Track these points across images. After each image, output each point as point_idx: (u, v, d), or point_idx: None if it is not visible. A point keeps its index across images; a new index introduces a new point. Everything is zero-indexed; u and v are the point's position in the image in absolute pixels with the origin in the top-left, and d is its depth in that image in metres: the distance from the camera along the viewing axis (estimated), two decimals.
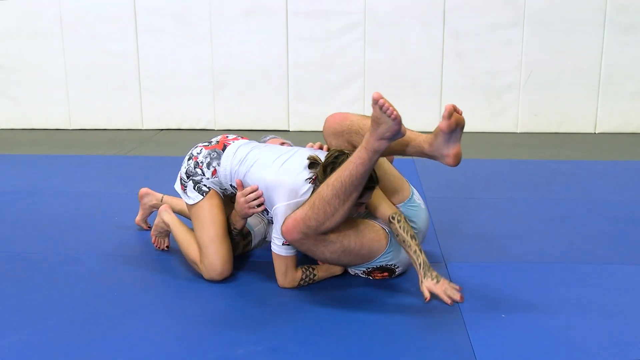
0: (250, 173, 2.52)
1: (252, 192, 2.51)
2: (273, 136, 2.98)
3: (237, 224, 2.64)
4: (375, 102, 2.18)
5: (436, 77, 5.84)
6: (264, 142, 2.92)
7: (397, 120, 2.18)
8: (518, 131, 5.94)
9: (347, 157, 2.35)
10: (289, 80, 5.95)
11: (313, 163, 2.44)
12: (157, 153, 5.18)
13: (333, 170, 2.35)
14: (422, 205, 2.66)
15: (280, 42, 5.88)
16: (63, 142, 5.68)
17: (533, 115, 5.90)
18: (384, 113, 2.18)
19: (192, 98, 6.05)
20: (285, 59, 5.91)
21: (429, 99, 5.86)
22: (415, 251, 2.43)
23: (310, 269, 2.55)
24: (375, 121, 2.22)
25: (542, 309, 2.35)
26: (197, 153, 2.65)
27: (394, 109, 2.17)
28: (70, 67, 6.06)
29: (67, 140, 5.75)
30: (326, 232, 2.37)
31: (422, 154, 2.43)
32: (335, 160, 2.38)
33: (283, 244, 2.45)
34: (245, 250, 2.82)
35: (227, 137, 2.71)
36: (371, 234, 2.48)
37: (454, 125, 2.32)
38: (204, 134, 5.82)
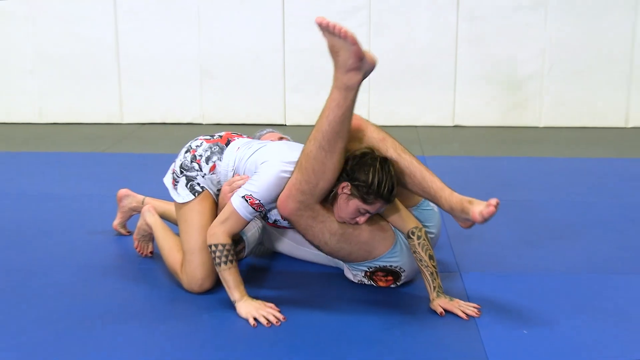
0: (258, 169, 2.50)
1: (241, 180, 2.50)
2: (270, 130, 2.97)
3: None
4: (320, 26, 2.16)
5: (449, 66, 5.83)
6: (260, 136, 2.91)
7: (350, 39, 2.15)
8: (541, 125, 5.93)
9: (373, 157, 2.35)
10: (286, 68, 5.94)
11: None
12: (139, 150, 5.17)
13: (353, 168, 2.33)
14: (435, 208, 2.67)
15: (275, 26, 5.87)
16: (32, 137, 5.67)
17: (558, 107, 5.89)
18: (334, 35, 2.16)
19: (178, 89, 6.04)
20: (282, 44, 5.90)
21: (441, 90, 5.85)
22: (432, 273, 2.44)
23: (233, 257, 2.42)
24: (332, 51, 2.22)
25: (568, 325, 2.34)
26: (197, 146, 2.65)
27: (342, 28, 2.14)
28: (41, 54, 6.05)
29: (37, 135, 5.74)
30: (324, 199, 2.37)
31: (438, 206, 2.46)
32: (359, 156, 2.36)
33: (244, 198, 2.39)
34: (238, 259, 2.81)
35: (232, 133, 2.71)
36: (376, 227, 2.49)
37: (486, 221, 2.31)
38: (191, 128, 5.81)
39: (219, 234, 2.41)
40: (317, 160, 2.31)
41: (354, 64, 2.20)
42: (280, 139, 2.82)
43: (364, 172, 2.32)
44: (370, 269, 2.56)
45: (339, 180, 2.37)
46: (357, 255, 2.51)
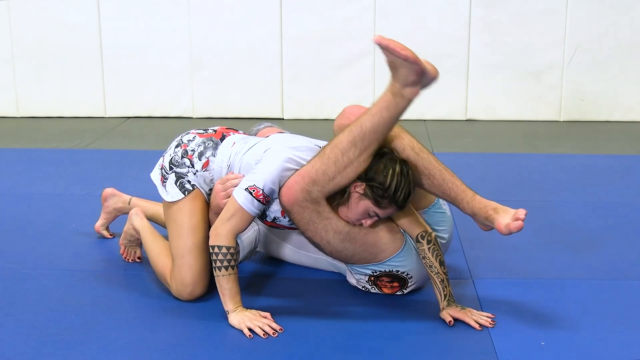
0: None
1: (235, 179, 2.51)
2: (269, 125, 2.97)
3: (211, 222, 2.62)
4: (380, 46, 2.19)
5: (462, 55, 5.84)
6: (257, 131, 2.92)
7: (412, 59, 2.18)
8: (561, 119, 5.94)
9: (393, 158, 2.36)
10: (283, 58, 5.95)
11: None
12: (123, 146, 5.19)
13: (371, 167, 2.35)
14: (448, 212, 2.68)
15: (272, 12, 5.88)
16: (8, 132, 5.68)
17: (579, 100, 5.90)
18: (393, 55, 2.19)
19: (166, 80, 6.05)
20: (279, 32, 5.91)
21: (453, 81, 5.85)
22: (442, 280, 2.45)
23: (236, 263, 2.42)
24: (391, 66, 2.25)
25: (589, 336, 2.35)
26: (189, 140, 2.65)
27: (404, 48, 2.17)
28: (18, 43, 6.05)
29: (14, 130, 5.75)
30: (334, 195, 2.39)
31: (459, 208, 2.46)
32: (378, 156, 2.37)
33: (248, 191, 2.38)
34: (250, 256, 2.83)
35: (226, 128, 2.72)
36: (385, 229, 2.50)
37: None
38: (180, 122, 5.83)
39: (224, 234, 2.39)
40: (345, 154, 2.34)
41: (415, 80, 2.24)
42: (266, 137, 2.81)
43: (382, 174, 2.34)
44: (375, 273, 2.57)
45: (353, 180, 2.38)
46: (361, 257, 2.52)
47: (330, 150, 2.36)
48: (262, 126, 2.94)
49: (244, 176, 2.48)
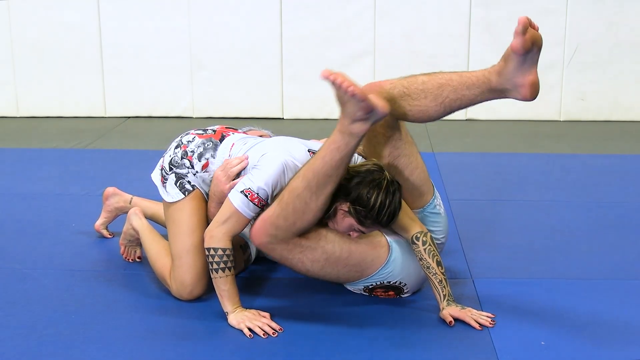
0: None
1: (237, 166, 2.51)
2: (250, 128, 2.97)
3: (211, 214, 2.61)
4: (326, 80, 2.16)
5: (462, 54, 5.84)
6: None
7: (359, 96, 2.15)
8: (561, 119, 5.94)
9: (380, 177, 2.33)
10: (283, 58, 5.95)
11: None
12: (123, 146, 5.19)
13: (358, 185, 2.32)
14: (443, 212, 2.67)
15: (272, 12, 5.87)
16: (8, 132, 5.68)
17: (579, 99, 5.90)
18: (340, 90, 2.16)
19: (166, 80, 6.05)
20: (279, 32, 5.91)
21: None
22: (440, 281, 2.44)
23: (232, 264, 2.42)
24: (339, 101, 2.22)
25: (590, 335, 2.35)
26: (188, 141, 2.66)
27: (350, 84, 2.14)
28: (18, 43, 6.05)
29: (14, 130, 5.75)
30: (300, 235, 2.38)
31: (490, 90, 2.36)
32: (365, 174, 2.34)
33: (244, 194, 2.38)
34: (247, 266, 2.83)
35: (226, 127, 2.72)
36: (367, 246, 2.49)
37: (530, 43, 2.27)
38: (180, 122, 5.82)
39: (219, 236, 2.40)
40: (301, 200, 2.31)
41: (362, 116, 2.21)
42: (261, 136, 2.81)
43: (366, 195, 2.31)
44: (369, 287, 2.57)
45: (339, 197, 2.36)
46: (347, 277, 2.53)
47: (287, 196, 2.33)
48: (245, 129, 2.93)
49: (245, 158, 2.49)
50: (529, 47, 2.28)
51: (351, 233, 2.43)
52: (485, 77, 2.36)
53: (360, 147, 2.55)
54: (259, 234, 2.37)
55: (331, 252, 2.43)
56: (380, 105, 2.20)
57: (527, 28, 2.25)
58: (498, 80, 2.34)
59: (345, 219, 2.39)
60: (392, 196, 2.33)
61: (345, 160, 2.28)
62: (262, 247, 2.41)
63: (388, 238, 2.52)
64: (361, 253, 2.47)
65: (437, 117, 2.46)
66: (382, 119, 2.25)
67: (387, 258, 2.50)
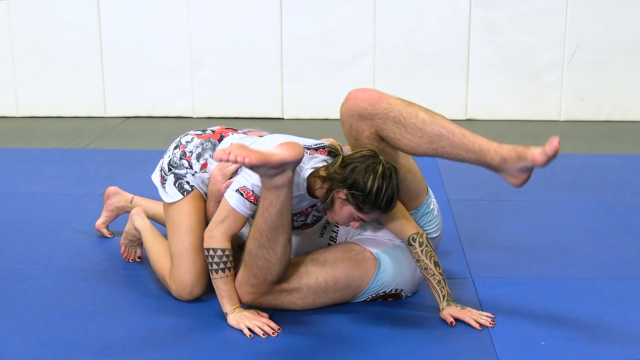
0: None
1: (233, 165, 2.50)
2: (249, 129, 2.97)
3: (210, 214, 2.61)
4: (222, 160, 2.18)
5: (462, 55, 5.84)
6: None
7: (256, 163, 2.15)
8: (561, 119, 5.94)
9: (376, 162, 2.31)
10: (283, 58, 5.95)
11: (332, 152, 2.43)
12: (123, 146, 5.19)
13: (353, 171, 2.30)
14: (437, 210, 2.66)
15: (272, 12, 5.87)
16: (9, 132, 5.68)
17: (579, 99, 5.90)
18: (240, 163, 2.17)
19: (166, 80, 6.05)
20: (279, 32, 5.91)
21: (452, 81, 5.85)
22: (439, 281, 2.45)
23: (232, 265, 2.42)
24: (249, 168, 2.25)
25: (590, 335, 2.35)
26: (187, 142, 2.66)
27: (245, 155, 2.13)
28: (18, 43, 6.05)
29: (14, 130, 5.75)
30: (280, 281, 2.42)
31: (485, 164, 2.35)
32: (360, 160, 2.32)
33: (239, 192, 2.38)
34: None
35: (225, 128, 2.73)
36: (347, 262, 2.49)
37: (548, 162, 2.26)
38: (180, 122, 5.82)
39: (218, 236, 2.40)
40: (260, 258, 2.36)
41: (275, 172, 2.22)
42: (261, 137, 2.81)
43: (362, 179, 2.29)
44: (367, 299, 2.57)
45: (334, 186, 2.35)
46: (342, 299, 2.54)
47: (248, 258, 2.39)
48: (245, 130, 2.93)
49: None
50: (549, 159, 2.25)
51: (352, 223, 2.42)
52: (487, 152, 2.32)
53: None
54: (241, 294, 2.44)
55: (316, 285, 2.46)
56: (290, 155, 2.20)
57: (557, 152, 2.22)
58: (499, 163, 2.32)
59: (343, 208, 2.37)
60: (389, 179, 2.31)
61: (284, 209, 2.30)
62: (250, 304, 2.45)
63: (373, 251, 2.52)
64: (346, 275, 2.48)
65: (421, 156, 2.44)
66: (299, 163, 2.26)
67: (375, 271, 2.51)
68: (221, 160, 2.19)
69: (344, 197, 2.35)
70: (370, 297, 2.55)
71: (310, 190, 2.40)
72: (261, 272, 2.38)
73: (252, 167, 2.21)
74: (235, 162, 2.15)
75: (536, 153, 2.22)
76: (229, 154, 2.14)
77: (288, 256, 2.40)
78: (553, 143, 2.19)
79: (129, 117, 6.11)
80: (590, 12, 5.70)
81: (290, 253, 2.42)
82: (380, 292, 2.54)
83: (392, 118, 2.37)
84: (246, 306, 2.45)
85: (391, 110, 2.38)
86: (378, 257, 2.52)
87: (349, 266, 2.49)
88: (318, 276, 2.46)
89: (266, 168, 2.19)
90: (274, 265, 2.37)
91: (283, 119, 6.02)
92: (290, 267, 2.45)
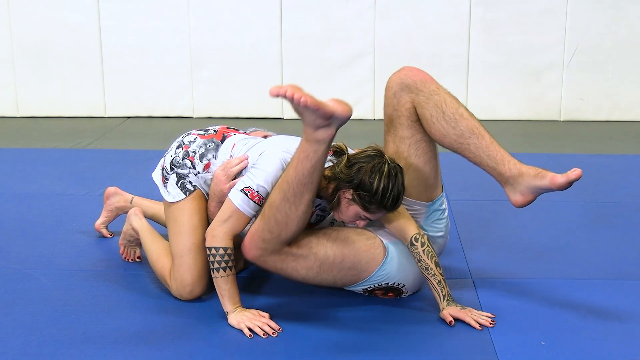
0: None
1: (236, 166, 2.52)
2: (254, 129, 2.98)
3: (211, 214, 2.61)
4: (278, 96, 2.16)
5: (462, 54, 5.84)
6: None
7: (311, 105, 2.14)
8: (561, 119, 5.94)
9: (381, 162, 2.33)
10: (283, 58, 5.95)
11: (337, 151, 2.44)
12: (123, 146, 5.19)
13: (359, 171, 2.32)
14: (447, 213, 2.66)
15: (272, 12, 5.88)
16: (9, 132, 5.68)
17: (579, 100, 5.90)
18: (293, 103, 2.17)
19: (166, 80, 6.05)
20: (279, 32, 5.91)
21: (453, 81, 5.84)
22: (439, 281, 2.45)
23: (233, 264, 2.42)
24: (296, 112, 2.23)
25: (590, 336, 2.35)
26: (190, 141, 2.66)
27: (301, 95, 2.13)
28: (18, 43, 6.05)
29: (14, 130, 5.76)
30: (290, 244, 2.40)
31: (497, 173, 2.42)
32: (366, 160, 2.34)
33: (244, 192, 2.39)
34: (247, 265, 2.83)
35: (227, 128, 2.72)
36: (358, 243, 2.49)
37: (566, 187, 2.31)
38: (180, 122, 5.83)
39: (220, 235, 2.40)
40: (280, 212, 2.32)
41: (322, 123, 2.21)
42: (265, 137, 2.82)
43: (368, 180, 2.31)
44: (368, 289, 2.57)
45: (340, 186, 2.37)
46: (344, 281, 2.53)
47: (268, 210, 2.35)
48: (250, 130, 2.94)
49: (245, 158, 2.50)
50: (569, 183, 2.32)
51: (358, 222, 2.43)
52: (507, 163, 2.41)
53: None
54: (249, 248, 2.41)
55: (324, 257, 2.44)
56: (340, 109, 2.20)
57: (577, 180, 2.29)
58: (513, 176, 2.40)
59: (350, 207, 2.38)
60: (394, 179, 2.33)
61: (318, 166, 2.28)
62: (255, 260, 2.43)
63: (383, 240, 2.52)
64: (355, 256, 2.47)
65: (442, 145, 2.51)
66: (346, 122, 2.25)
67: (382, 259, 2.50)
68: (277, 95, 2.14)
69: (350, 197, 2.36)
70: (371, 286, 2.54)
71: None
72: (277, 226, 2.34)
73: (304, 111, 2.18)
74: (292, 99, 2.14)
75: (557, 175, 2.29)
76: (286, 91, 2.13)
77: (307, 217, 2.37)
78: (577, 172, 2.27)
79: (129, 117, 6.11)
80: (590, 12, 5.71)
81: (309, 216, 2.40)
82: (382, 283, 2.53)
83: (435, 101, 2.46)
84: (246, 306, 2.45)
85: (437, 94, 2.48)
86: (387, 247, 2.51)
87: (359, 248, 2.48)
88: (328, 250, 2.44)
89: (316, 116, 2.18)
90: (292, 222, 2.33)
91: (283, 119, 6.02)
92: (303, 234, 2.44)
